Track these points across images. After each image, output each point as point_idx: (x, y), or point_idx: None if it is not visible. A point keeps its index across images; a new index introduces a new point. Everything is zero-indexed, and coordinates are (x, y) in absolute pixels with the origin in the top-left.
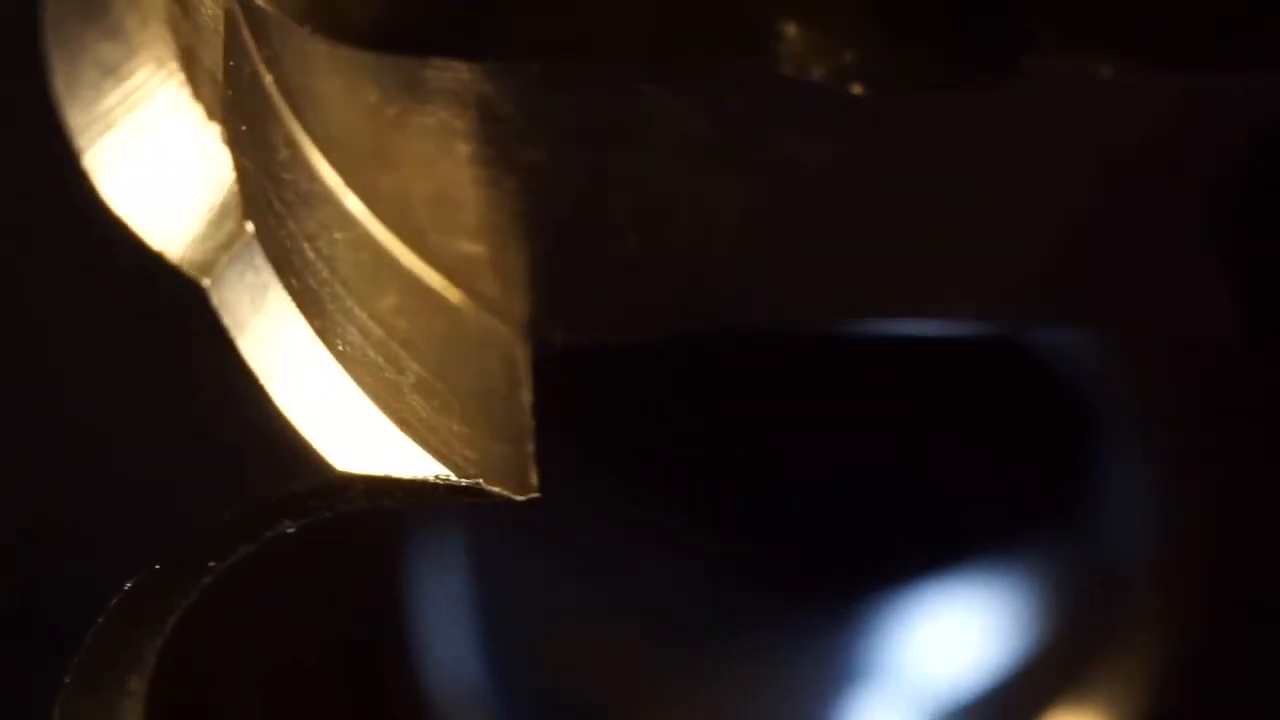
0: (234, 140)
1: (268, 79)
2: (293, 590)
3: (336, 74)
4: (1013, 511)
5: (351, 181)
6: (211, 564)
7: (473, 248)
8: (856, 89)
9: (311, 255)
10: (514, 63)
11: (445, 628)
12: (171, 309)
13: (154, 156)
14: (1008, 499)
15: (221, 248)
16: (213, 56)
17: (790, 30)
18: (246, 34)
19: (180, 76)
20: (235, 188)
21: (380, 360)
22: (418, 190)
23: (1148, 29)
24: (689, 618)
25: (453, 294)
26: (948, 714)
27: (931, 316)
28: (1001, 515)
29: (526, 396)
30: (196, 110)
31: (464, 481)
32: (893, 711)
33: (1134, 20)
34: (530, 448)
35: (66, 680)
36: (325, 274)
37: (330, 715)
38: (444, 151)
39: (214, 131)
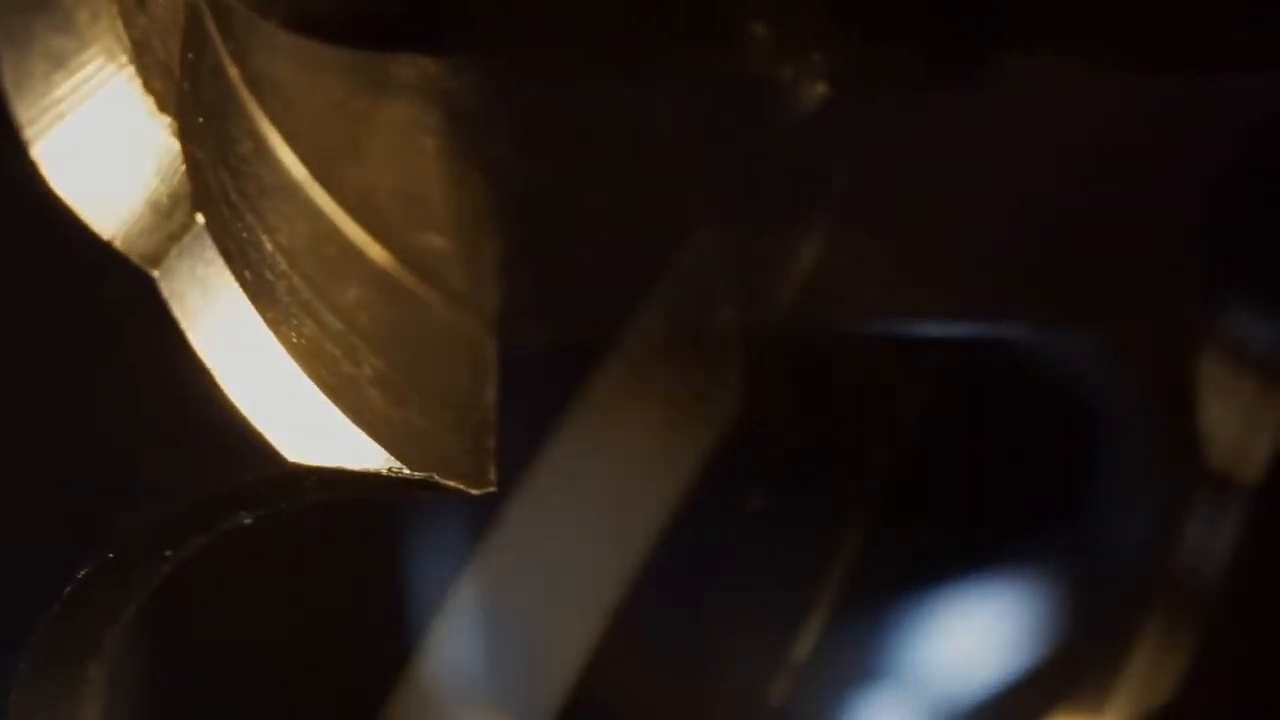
0: (188, 132)
1: (233, 72)
2: (259, 577)
3: (303, 68)
4: (1018, 517)
5: (319, 175)
6: (168, 553)
7: (441, 242)
8: (821, 88)
9: (270, 248)
10: (477, 58)
11: (440, 618)
12: (120, 299)
13: (104, 148)
14: (1013, 505)
15: (171, 239)
16: (167, 49)
17: (760, 30)
18: (211, 27)
19: (131, 69)
20: (186, 179)
21: (337, 353)
22: (386, 184)
23: (1145, 30)
24: (701, 618)
25: (420, 288)
26: (955, 715)
27: (926, 319)
28: (1007, 520)
29: (491, 392)
30: (147, 102)
31: (417, 475)
32: (902, 712)
33: (1132, 21)
34: (491, 443)
35: (21, 668)
36: (284, 266)
37: (303, 698)
38: (410, 146)
39: (165, 123)
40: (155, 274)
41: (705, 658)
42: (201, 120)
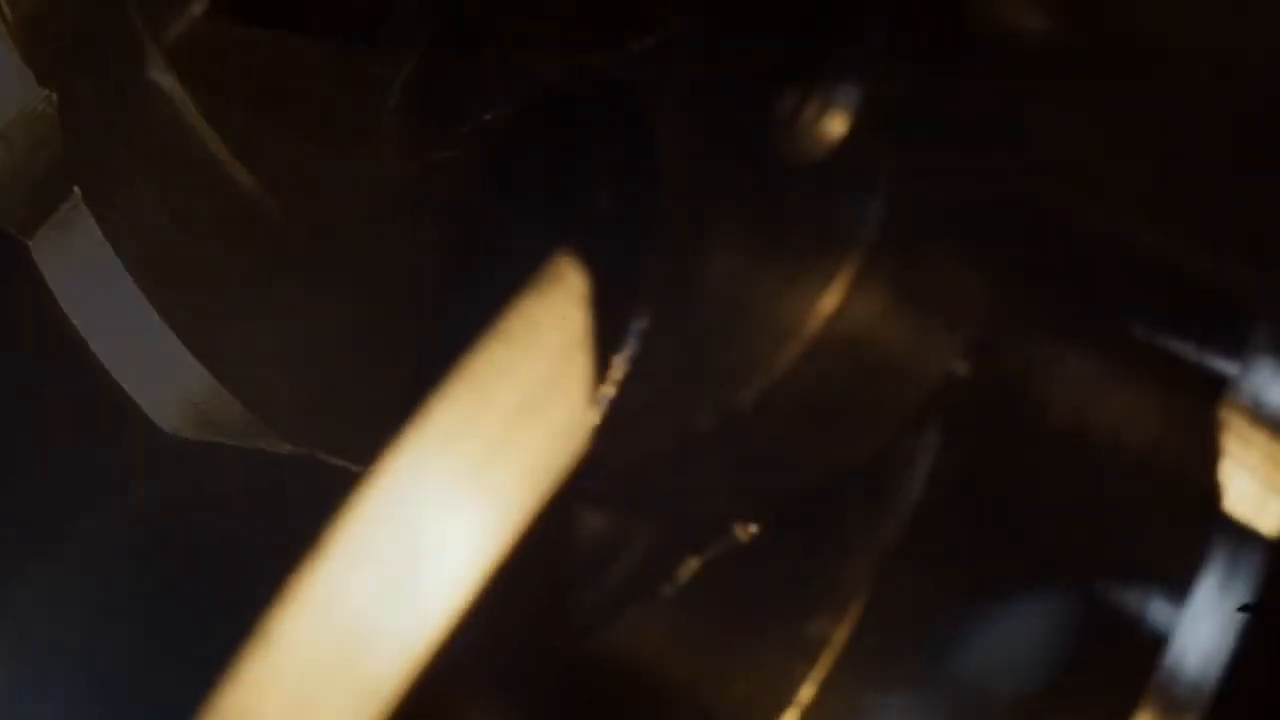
0: (77, 105)
1: (152, 51)
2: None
3: (226, 50)
4: (1031, 549)
5: (242, 154)
6: (72, 526)
7: (375, 223)
8: (842, 123)
9: (167, 220)
10: (391, 46)
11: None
12: None
13: None
14: (1027, 540)
15: (46, 209)
16: (59, 23)
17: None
18: (132, 8)
19: (10, 40)
20: (64, 151)
21: (231, 327)
22: (309, 162)
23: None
24: (708, 632)
25: (347, 268)
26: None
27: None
28: (1019, 553)
29: (407, 374)
30: (26, 74)
31: (300, 451)
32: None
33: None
34: (393, 424)
35: None
36: (181, 240)
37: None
38: (331, 127)
39: (44, 95)
40: (30, 242)
41: (713, 675)
42: (97, 94)
